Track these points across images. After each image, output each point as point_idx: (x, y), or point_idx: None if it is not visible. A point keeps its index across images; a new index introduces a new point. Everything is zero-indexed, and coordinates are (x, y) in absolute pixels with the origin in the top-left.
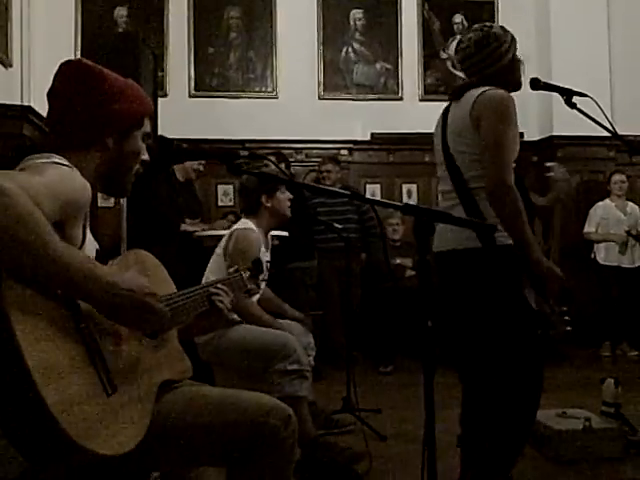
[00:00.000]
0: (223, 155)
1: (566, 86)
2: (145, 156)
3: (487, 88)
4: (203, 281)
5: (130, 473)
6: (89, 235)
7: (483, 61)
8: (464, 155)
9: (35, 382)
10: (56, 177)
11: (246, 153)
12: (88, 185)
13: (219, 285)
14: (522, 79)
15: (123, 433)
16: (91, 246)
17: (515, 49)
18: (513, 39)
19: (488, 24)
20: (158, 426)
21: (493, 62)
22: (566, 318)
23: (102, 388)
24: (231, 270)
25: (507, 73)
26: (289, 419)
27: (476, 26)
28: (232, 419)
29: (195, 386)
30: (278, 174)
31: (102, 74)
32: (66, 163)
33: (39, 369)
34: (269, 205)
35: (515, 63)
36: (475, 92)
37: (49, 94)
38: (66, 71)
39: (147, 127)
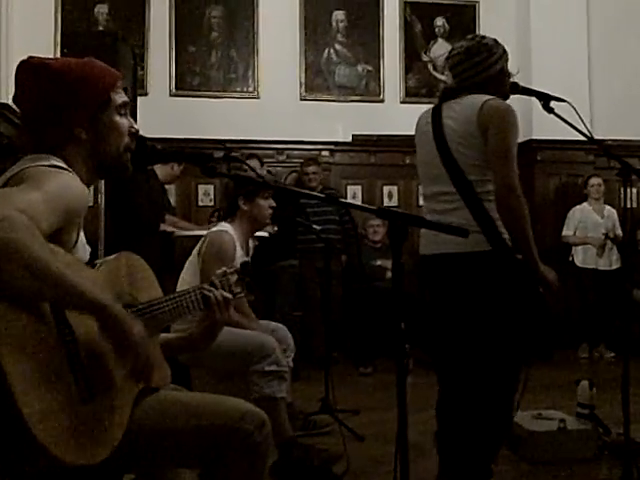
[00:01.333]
0: (197, 157)
1: (546, 90)
2: (133, 128)
3: (490, 97)
4: (179, 283)
5: (103, 474)
6: (82, 238)
7: (472, 68)
8: (469, 159)
9: (12, 389)
10: (54, 188)
11: (220, 155)
12: (86, 190)
13: (209, 287)
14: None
15: (96, 443)
16: (83, 249)
17: (505, 62)
18: (505, 52)
19: (481, 35)
20: (133, 430)
21: (482, 70)
22: None
23: (79, 397)
24: (219, 272)
25: (495, 83)
26: (263, 424)
27: (470, 36)
28: (206, 423)
29: (171, 391)
30: (254, 177)
31: (51, 69)
32: (63, 166)
33: (17, 376)
34: (246, 209)
35: (503, 75)
36: (478, 99)
37: (14, 100)
38: (17, 75)
39: (119, 99)
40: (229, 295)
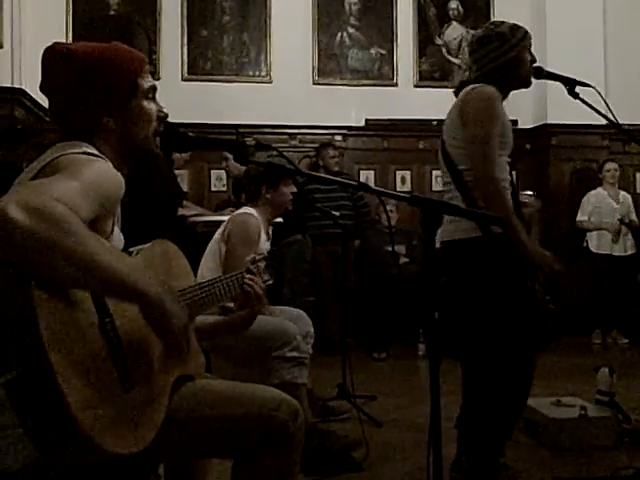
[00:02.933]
0: (231, 145)
1: (561, 74)
2: (161, 112)
3: (476, 86)
4: (200, 267)
5: (138, 464)
6: (116, 227)
7: (483, 58)
8: (457, 148)
9: (56, 378)
10: (91, 177)
11: (253, 142)
12: (121, 178)
13: (249, 275)
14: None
15: (137, 432)
16: (118, 237)
17: (523, 48)
18: (523, 39)
19: (498, 22)
20: (170, 418)
21: (493, 59)
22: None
23: (121, 386)
24: (249, 258)
25: (508, 72)
26: (297, 414)
27: (487, 23)
28: (241, 412)
29: (205, 379)
30: (285, 165)
31: (76, 56)
32: (97, 153)
33: (61, 365)
34: (269, 196)
35: (519, 63)
36: (468, 88)
37: (40, 88)
38: (45, 62)
39: (145, 84)
40: (264, 285)
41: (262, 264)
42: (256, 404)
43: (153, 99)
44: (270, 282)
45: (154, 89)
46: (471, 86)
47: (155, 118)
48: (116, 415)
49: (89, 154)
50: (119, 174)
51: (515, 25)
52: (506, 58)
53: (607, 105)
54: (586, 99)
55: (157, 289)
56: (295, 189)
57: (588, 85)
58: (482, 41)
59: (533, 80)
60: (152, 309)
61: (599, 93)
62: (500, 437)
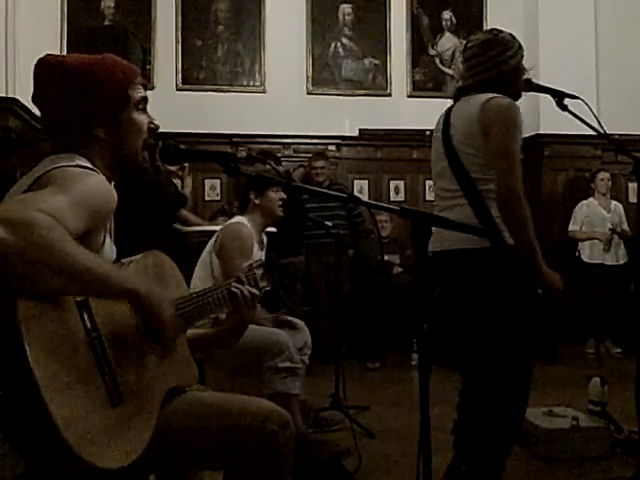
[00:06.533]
0: (220, 157)
1: (553, 85)
2: (152, 124)
3: (494, 95)
4: (193, 279)
5: (128, 475)
6: (108, 239)
7: (486, 63)
8: (471, 157)
9: (42, 395)
10: (81, 190)
11: (244, 154)
12: (113, 191)
13: (235, 284)
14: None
15: (126, 446)
16: (110, 249)
17: (520, 58)
18: (520, 48)
19: (499, 29)
20: (160, 431)
21: (495, 65)
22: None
23: (108, 399)
24: (244, 266)
25: (508, 80)
26: (287, 424)
27: (487, 29)
28: (231, 424)
29: (197, 391)
30: (275, 176)
31: (69, 67)
32: (89, 165)
33: (46, 381)
34: (258, 202)
35: (517, 72)
36: (482, 97)
37: (32, 99)
38: (37, 73)
39: (137, 95)
40: (256, 291)
41: (259, 271)
42: (246, 415)
43: (144, 110)
44: (268, 289)
45: (145, 100)
46: (489, 95)
47: (146, 130)
48: (103, 430)
49: (82, 167)
50: (112, 188)
51: (511, 34)
52: (509, 66)
53: (595, 116)
54: (577, 110)
55: (145, 287)
56: (284, 195)
57: (576, 97)
58: (486, 45)
59: (523, 92)
60: (142, 302)
61: (587, 105)
62: (502, 447)
